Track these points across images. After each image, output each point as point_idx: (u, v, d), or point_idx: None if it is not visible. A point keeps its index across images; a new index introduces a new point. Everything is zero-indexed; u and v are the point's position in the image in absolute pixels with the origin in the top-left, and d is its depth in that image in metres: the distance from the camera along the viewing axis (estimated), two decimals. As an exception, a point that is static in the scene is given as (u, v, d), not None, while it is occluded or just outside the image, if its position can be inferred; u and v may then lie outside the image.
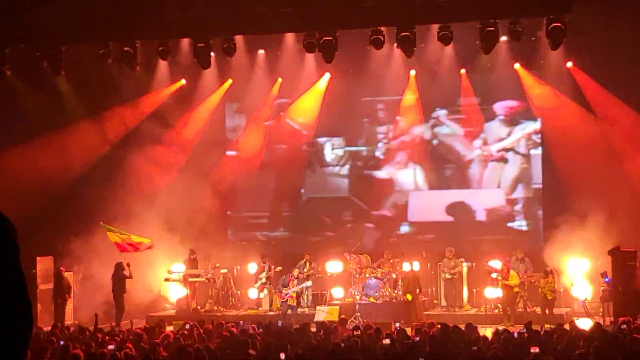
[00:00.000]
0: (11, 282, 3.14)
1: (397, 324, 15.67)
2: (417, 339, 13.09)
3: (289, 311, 20.30)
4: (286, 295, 20.57)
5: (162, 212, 21.32)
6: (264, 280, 21.51)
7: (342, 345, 12.09)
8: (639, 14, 18.70)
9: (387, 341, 12.18)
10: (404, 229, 24.25)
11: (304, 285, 20.87)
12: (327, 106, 23.77)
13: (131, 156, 22.57)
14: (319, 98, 23.86)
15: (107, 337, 14.22)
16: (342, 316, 17.78)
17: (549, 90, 22.29)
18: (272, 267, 21.71)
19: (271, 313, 20.69)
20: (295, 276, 20.78)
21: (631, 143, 21.08)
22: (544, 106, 22.59)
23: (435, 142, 24.05)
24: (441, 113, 23.98)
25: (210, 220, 22.71)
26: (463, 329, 13.93)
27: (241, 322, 16.71)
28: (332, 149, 24.80)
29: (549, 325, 15.09)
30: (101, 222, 20.27)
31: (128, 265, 20.14)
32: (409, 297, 19.74)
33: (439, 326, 14.10)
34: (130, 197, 21.43)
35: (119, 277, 20.17)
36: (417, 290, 20.03)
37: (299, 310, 20.72)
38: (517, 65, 22.32)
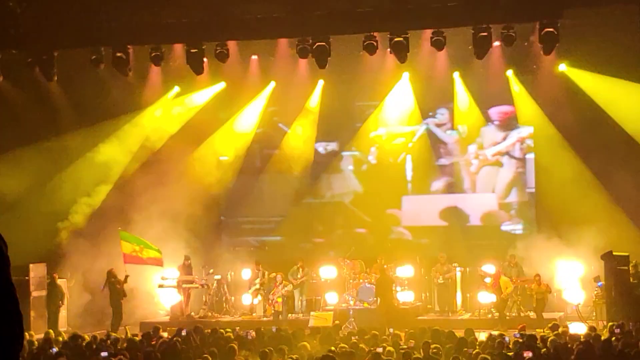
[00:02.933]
0: (3, 293, 3.17)
1: (391, 329, 15.66)
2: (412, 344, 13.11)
3: (280, 317, 20.31)
4: (272, 301, 20.61)
5: (155, 218, 21.26)
6: (258, 286, 21.48)
7: (335, 350, 12.08)
8: (630, 17, 18.72)
9: (379, 350, 12.13)
10: (398, 233, 24.24)
11: (285, 289, 20.80)
12: (320, 111, 23.78)
13: (123, 163, 22.51)
14: (312, 103, 23.87)
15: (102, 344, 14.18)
16: (336, 322, 17.77)
17: (535, 104, 22.29)
18: (267, 273, 21.68)
19: (265, 319, 20.69)
20: (280, 281, 20.79)
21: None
22: (533, 115, 22.60)
23: (429, 146, 24.04)
24: (435, 117, 24.00)
25: (204, 226, 22.67)
26: (457, 333, 13.92)
27: (237, 328, 16.73)
28: (325, 154, 24.79)
29: (541, 330, 15.10)
30: (119, 228, 20.23)
31: (127, 276, 20.07)
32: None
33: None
34: (124, 203, 21.38)
35: (113, 285, 20.09)
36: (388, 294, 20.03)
37: (294, 315, 20.70)
38: (509, 73, 22.35)
